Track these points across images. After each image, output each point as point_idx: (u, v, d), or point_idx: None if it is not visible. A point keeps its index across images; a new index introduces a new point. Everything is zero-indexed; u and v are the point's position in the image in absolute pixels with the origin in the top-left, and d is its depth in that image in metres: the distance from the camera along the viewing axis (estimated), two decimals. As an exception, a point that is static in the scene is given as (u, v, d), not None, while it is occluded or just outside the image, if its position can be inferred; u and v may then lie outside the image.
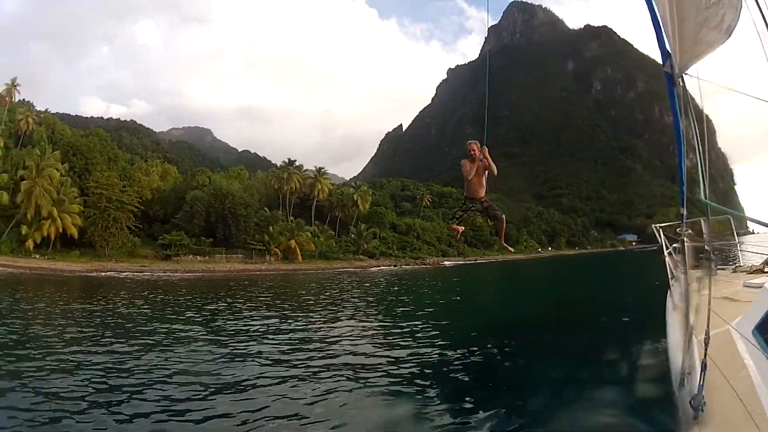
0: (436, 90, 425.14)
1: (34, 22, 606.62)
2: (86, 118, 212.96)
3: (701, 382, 4.26)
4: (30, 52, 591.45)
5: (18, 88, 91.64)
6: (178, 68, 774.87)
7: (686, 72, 4.56)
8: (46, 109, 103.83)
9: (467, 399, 13.20)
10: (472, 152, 7.37)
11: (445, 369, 16.69)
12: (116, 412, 11.76)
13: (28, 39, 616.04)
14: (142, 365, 16.39)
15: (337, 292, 44.98)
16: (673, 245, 10.64)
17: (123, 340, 20.41)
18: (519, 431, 11.30)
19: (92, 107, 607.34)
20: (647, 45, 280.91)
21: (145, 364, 16.59)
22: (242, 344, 20.34)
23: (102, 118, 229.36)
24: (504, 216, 7.62)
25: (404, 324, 25.81)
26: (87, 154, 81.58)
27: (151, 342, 20.23)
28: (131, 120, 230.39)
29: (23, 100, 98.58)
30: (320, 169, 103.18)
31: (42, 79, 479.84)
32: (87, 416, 11.52)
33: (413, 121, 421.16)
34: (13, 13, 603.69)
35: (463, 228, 8.02)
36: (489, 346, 19.89)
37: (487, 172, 7.56)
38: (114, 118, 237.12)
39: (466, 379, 15.60)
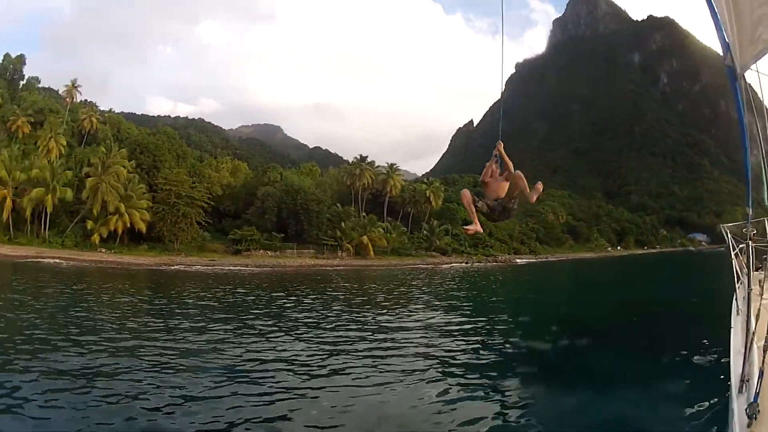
0: (505, 84, 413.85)
1: (96, 26, 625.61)
2: (153, 117, 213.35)
3: (758, 390, 3.98)
4: (94, 55, 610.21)
5: (79, 89, 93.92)
6: (245, 67, 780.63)
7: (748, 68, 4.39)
8: (110, 109, 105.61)
9: (533, 393, 14.06)
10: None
11: (514, 363, 17.50)
12: (199, 403, 11.71)
13: (92, 42, 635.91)
14: (219, 357, 16.41)
15: (409, 288, 45.06)
16: (740, 246, 10.24)
17: (198, 332, 20.44)
18: (575, 425, 11.40)
19: (159, 106, 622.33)
20: (708, 37, 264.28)
21: (221, 356, 16.52)
22: (320, 337, 20.51)
23: (169, 116, 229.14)
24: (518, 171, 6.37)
25: (477, 319, 27.03)
26: (155, 151, 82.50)
27: (225, 334, 20.23)
28: (199, 118, 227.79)
29: (85, 100, 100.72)
30: (392, 165, 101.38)
31: (108, 80, 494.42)
32: (170, 406, 11.39)
33: (483, 116, 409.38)
34: (74, 18, 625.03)
35: (480, 229, 6.85)
36: (556, 343, 20.80)
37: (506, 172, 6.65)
38: (182, 116, 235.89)
39: (535, 371, 16.42)
